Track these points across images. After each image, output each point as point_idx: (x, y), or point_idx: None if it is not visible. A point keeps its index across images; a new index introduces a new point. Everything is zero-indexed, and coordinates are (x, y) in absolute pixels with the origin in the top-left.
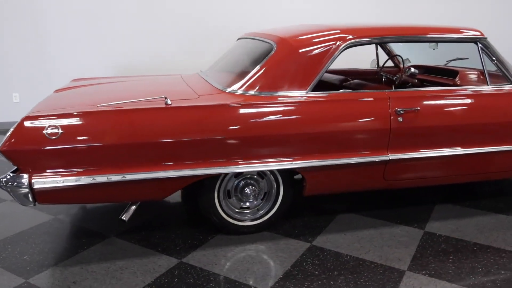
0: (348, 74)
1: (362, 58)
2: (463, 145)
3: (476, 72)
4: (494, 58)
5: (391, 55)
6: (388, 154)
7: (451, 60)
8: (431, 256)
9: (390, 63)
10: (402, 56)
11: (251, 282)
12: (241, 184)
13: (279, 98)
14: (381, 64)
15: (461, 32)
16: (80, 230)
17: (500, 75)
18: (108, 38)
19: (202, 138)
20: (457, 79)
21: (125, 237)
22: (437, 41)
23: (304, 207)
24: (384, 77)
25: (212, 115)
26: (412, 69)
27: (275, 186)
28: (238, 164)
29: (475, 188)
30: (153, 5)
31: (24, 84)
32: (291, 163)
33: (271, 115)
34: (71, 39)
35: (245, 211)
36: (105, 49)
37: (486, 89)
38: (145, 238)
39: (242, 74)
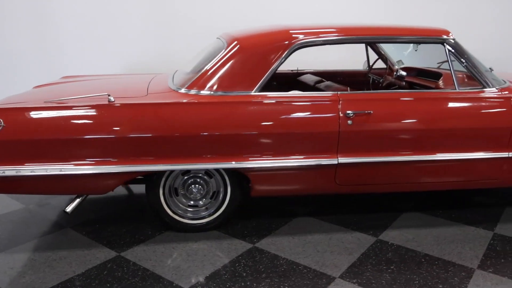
0: (336, 75)
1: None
2: (418, 151)
3: (461, 75)
4: (463, 60)
5: (382, 57)
6: (337, 158)
7: (442, 62)
8: (371, 265)
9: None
10: (393, 57)
11: (175, 279)
12: (188, 182)
13: (224, 98)
14: (375, 65)
15: (427, 33)
16: (44, 220)
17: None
18: (117, 38)
19: (138, 136)
20: (440, 81)
21: (79, 229)
22: (399, 42)
23: (263, 208)
24: (371, 79)
25: (146, 113)
26: (400, 71)
27: (223, 185)
28: (175, 162)
29: (455, 198)
30: (162, 6)
31: (34, 84)
32: (231, 163)
33: (212, 114)
34: (80, 39)
35: (194, 209)
36: (114, 48)
37: (451, 92)
38: (97, 231)
39: (194, 74)
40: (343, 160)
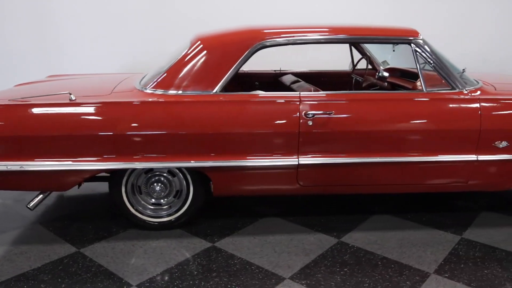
0: (320, 76)
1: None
2: (381, 153)
3: (432, 76)
4: (430, 61)
5: (366, 57)
6: (298, 158)
7: (425, 63)
8: (325, 267)
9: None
10: (378, 58)
11: (125, 276)
12: (151, 181)
13: (184, 98)
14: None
15: (394, 33)
16: (16, 215)
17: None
18: (117, 38)
19: (95, 134)
20: (417, 82)
21: (48, 224)
22: (365, 42)
23: (233, 208)
24: (354, 79)
25: (105, 111)
26: (382, 72)
27: (186, 184)
28: (134, 160)
29: (431, 201)
30: (163, 5)
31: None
32: (190, 163)
33: (171, 114)
34: (80, 39)
35: (157, 208)
36: (113, 48)
37: (416, 94)
38: (65, 227)
39: (158, 73)
40: (304, 161)
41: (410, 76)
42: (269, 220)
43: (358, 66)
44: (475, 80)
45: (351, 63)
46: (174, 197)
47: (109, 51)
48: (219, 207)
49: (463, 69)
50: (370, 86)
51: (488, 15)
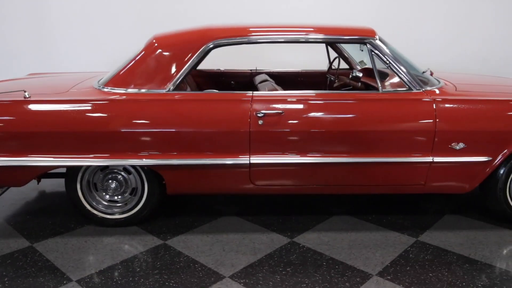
0: (298, 76)
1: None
2: (332, 154)
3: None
4: (386, 61)
5: (343, 57)
6: (249, 158)
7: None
8: (268, 266)
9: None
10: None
11: (68, 271)
12: (107, 178)
13: (137, 96)
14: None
15: (350, 33)
16: None
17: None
18: (116, 38)
19: (47, 131)
20: (385, 82)
21: (10, 219)
22: (320, 42)
23: (194, 206)
24: (328, 79)
25: (54, 110)
26: (356, 72)
27: (141, 182)
28: (87, 158)
29: (398, 203)
30: (162, 5)
31: None
32: (141, 161)
33: (123, 112)
34: (73, 38)
35: (113, 205)
36: (112, 48)
37: (371, 94)
38: (25, 221)
39: (114, 72)
40: (255, 160)
41: (384, 76)
42: (227, 219)
43: (342, 66)
44: (437, 80)
45: (328, 63)
46: (130, 194)
47: (107, 51)
48: (179, 205)
49: (424, 70)
50: (343, 86)
51: (488, 15)
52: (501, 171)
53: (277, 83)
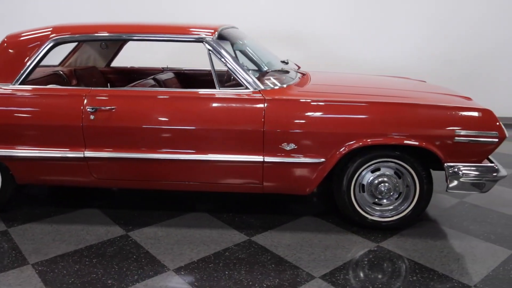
0: (208, 75)
1: None
2: (166, 150)
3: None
4: (222, 60)
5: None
6: (84, 151)
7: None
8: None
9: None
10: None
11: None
12: None
13: None
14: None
15: (186, 32)
16: None
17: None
18: None
19: None
20: (231, 81)
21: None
22: (154, 40)
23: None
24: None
25: None
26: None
27: None
28: None
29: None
30: (161, 4)
31: None
32: None
33: None
34: None
35: None
36: None
37: (206, 93)
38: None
39: None
40: (89, 154)
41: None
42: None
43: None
44: (291, 79)
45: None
46: None
47: None
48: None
49: (275, 69)
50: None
51: (489, 15)
52: (346, 173)
53: (185, 81)
